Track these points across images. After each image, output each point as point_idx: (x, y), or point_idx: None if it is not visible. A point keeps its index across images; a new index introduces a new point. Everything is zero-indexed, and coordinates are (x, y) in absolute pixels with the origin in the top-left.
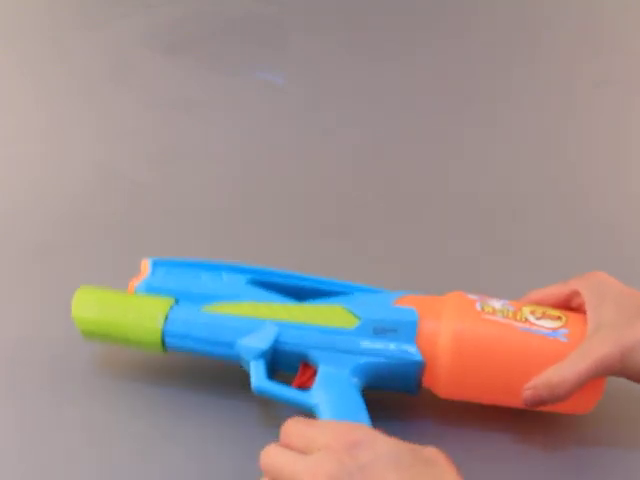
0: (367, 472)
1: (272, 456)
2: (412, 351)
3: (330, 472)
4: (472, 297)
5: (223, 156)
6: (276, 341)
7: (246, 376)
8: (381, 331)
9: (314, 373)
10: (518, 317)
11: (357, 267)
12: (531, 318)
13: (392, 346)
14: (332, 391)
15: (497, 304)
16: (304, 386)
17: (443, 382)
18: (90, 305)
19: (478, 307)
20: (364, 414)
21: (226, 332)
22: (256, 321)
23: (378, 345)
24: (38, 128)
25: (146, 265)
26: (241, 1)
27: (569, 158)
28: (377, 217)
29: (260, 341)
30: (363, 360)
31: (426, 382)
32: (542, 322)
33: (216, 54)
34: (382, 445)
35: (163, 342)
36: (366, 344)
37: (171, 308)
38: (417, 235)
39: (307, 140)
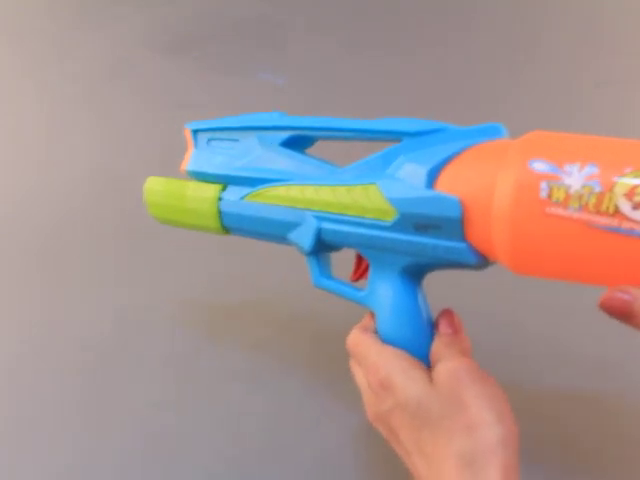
0: (389, 418)
1: (355, 342)
2: (462, 248)
3: (370, 407)
4: (539, 169)
5: None
6: (319, 237)
7: None
8: (423, 228)
9: (368, 265)
10: (604, 207)
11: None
12: (625, 207)
13: (438, 244)
14: (383, 292)
15: (576, 180)
16: (362, 277)
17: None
18: (156, 192)
19: (543, 194)
20: (416, 317)
21: (272, 226)
22: (297, 213)
23: (422, 243)
24: (38, 129)
25: (189, 135)
26: (241, 1)
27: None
28: None
29: (304, 240)
30: (408, 260)
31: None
32: None
33: (216, 54)
34: (404, 393)
35: (223, 227)
36: (408, 242)
37: (220, 199)
38: None
39: None
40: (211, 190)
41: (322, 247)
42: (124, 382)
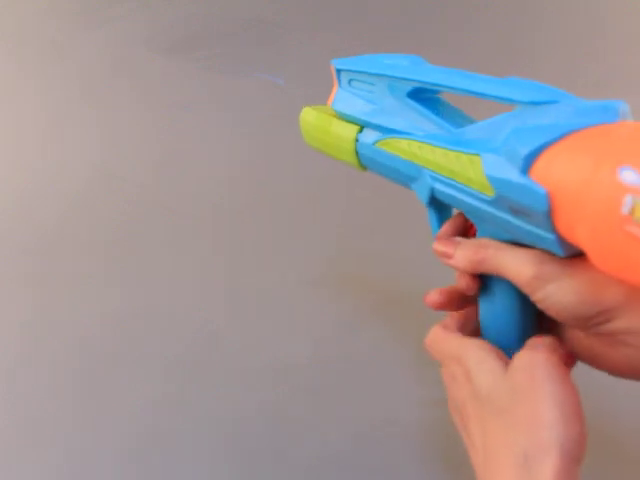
0: (462, 408)
1: (435, 339)
2: (551, 240)
3: (450, 399)
4: (627, 179)
5: (223, 156)
6: (433, 195)
7: None
8: (516, 212)
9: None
10: None
11: (355, 267)
12: None
13: (531, 231)
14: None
15: None
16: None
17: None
18: (308, 123)
19: (625, 209)
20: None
21: (397, 174)
22: (416, 168)
23: (518, 226)
24: (38, 129)
25: (333, 71)
26: (241, 2)
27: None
28: (377, 216)
29: (421, 194)
30: (509, 237)
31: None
32: None
33: (216, 54)
34: (478, 382)
35: (361, 165)
36: (507, 222)
37: (357, 140)
38: (417, 234)
39: None
40: (349, 130)
41: (438, 203)
42: (124, 382)
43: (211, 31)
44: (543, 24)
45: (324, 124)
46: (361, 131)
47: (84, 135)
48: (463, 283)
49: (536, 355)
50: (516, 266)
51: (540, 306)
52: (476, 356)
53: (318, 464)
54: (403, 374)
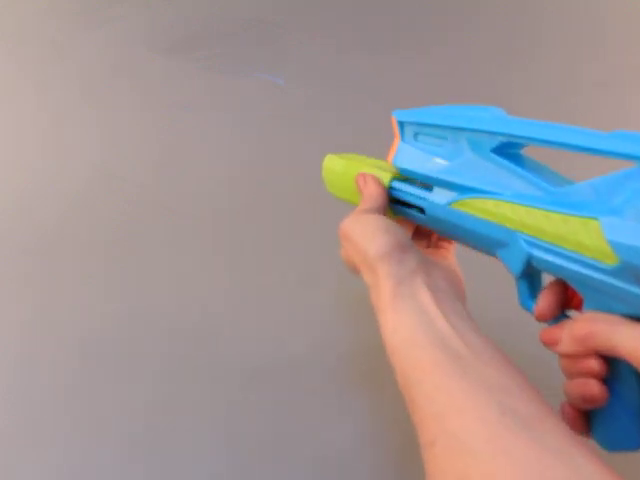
0: (351, 259)
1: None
2: None
3: (343, 258)
4: None
5: (223, 156)
6: (529, 264)
7: None
8: None
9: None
10: None
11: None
12: None
13: None
14: None
15: None
16: (577, 308)
17: None
18: (333, 172)
19: None
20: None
21: (479, 239)
22: (506, 232)
23: None
24: (38, 129)
25: (395, 123)
26: (241, 2)
27: (569, 157)
28: None
29: (513, 263)
30: (631, 311)
31: None
32: None
33: (216, 54)
34: (356, 242)
35: (394, 212)
36: (630, 293)
37: (391, 188)
38: None
39: (307, 140)
40: (382, 177)
41: (533, 271)
42: (123, 382)
43: (211, 31)
44: (543, 24)
45: (352, 172)
46: (430, 190)
47: (84, 135)
48: (591, 390)
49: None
50: (634, 342)
51: None
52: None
53: (318, 464)
54: None
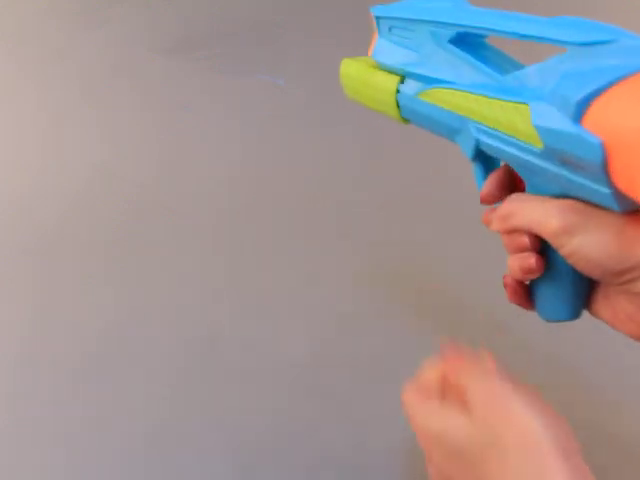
0: (444, 471)
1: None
2: (606, 194)
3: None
4: None
5: (223, 156)
6: (478, 148)
7: None
8: (568, 164)
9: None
10: None
11: (355, 266)
12: None
13: (584, 184)
14: None
15: None
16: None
17: None
18: (347, 76)
19: None
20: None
21: (440, 127)
22: (460, 119)
23: (569, 179)
24: (38, 129)
25: (372, 19)
26: (241, 2)
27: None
28: (377, 216)
29: (465, 147)
30: (559, 190)
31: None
32: None
33: (216, 55)
34: (446, 439)
35: (403, 118)
36: (557, 174)
37: (398, 92)
38: (418, 234)
39: (307, 140)
40: (390, 82)
41: (484, 157)
42: (123, 381)
43: (211, 31)
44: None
45: (364, 76)
46: (403, 82)
47: (84, 135)
48: (528, 263)
49: (489, 382)
50: (543, 217)
51: (570, 261)
52: (438, 418)
53: (318, 464)
54: (403, 374)
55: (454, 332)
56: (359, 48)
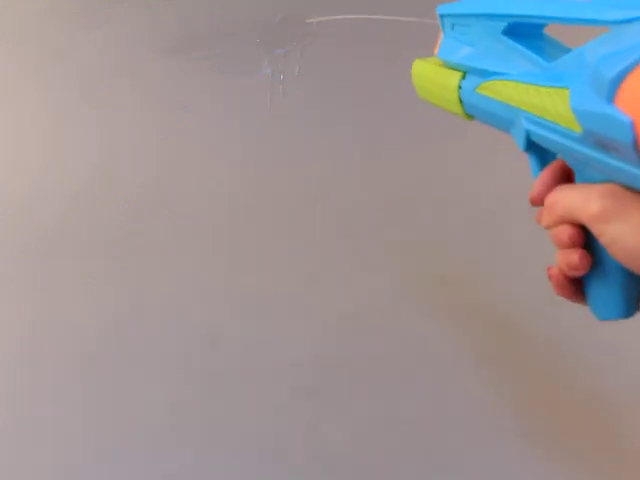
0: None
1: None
2: None
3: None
4: None
5: (223, 156)
6: (529, 139)
7: None
8: (605, 146)
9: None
10: None
11: (355, 266)
12: None
13: (621, 168)
14: None
15: None
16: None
17: None
18: (418, 76)
19: None
20: None
21: (498, 120)
22: (512, 110)
23: (609, 164)
24: (38, 129)
25: (438, 18)
26: (241, 2)
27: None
28: (376, 216)
29: (518, 139)
30: (605, 179)
31: None
32: None
33: (216, 54)
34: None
35: (467, 114)
36: (598, 160)
37: (460, 88)
38: (418, 234)
39: (307, 140)
40: (452, 78)
41: (538, 149)
42: (123, 381)
43: (211, 31)
44: None
45: (430, 74)
46: (464, 77)
47: (84, 135)
48: (572, 259)
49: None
50: (583, 201)
51: (610, 252)
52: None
53: (318, 464)
54: (403, 373)
55: (454, 331)
56: (359, 48)
